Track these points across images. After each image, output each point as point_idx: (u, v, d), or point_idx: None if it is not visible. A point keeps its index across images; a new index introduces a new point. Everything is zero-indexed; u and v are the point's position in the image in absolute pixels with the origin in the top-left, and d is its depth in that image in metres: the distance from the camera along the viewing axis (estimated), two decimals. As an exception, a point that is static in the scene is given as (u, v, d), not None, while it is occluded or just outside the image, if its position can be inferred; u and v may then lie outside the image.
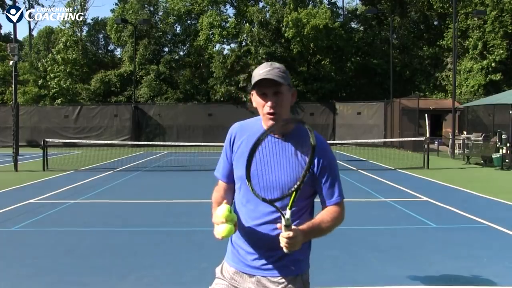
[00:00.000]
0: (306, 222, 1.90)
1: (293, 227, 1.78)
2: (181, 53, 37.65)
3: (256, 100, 1.96)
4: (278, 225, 1.79)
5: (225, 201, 1.92)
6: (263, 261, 1.96)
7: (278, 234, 1.81)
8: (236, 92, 32.01)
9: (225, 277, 2.06)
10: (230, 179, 2.10)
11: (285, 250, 1.78)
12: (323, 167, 1.95)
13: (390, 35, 29.73)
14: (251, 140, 1.87)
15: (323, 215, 1.95)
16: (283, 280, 1.95)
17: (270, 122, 1.91)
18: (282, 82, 1.89)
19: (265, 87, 1.90)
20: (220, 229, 1.83)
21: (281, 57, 33.29)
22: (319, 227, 1.91)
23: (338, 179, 1.99)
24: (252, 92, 1.98)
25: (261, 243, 1.95)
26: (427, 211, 7.99)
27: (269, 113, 1.91)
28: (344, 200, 2.03)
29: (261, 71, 1.91)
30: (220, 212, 1.85)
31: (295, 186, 1.83)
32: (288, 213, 1.78)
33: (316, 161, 1.92)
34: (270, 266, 1.95)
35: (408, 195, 9.83)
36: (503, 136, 15.67)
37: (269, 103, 1.91)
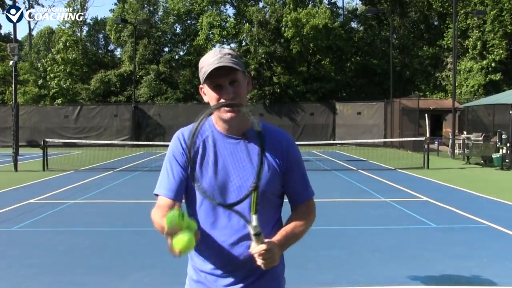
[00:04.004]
0: (277, 232, 1.68)
1: (265, 239, 1.56)
2: (181, 53, 37.67)
3: (208, 93, 1.70)
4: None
5: (176, 205, 1.64)
6: (241, 284, 1.70)
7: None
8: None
9: None
10: (178, 197, 1.75)
11: (263, 267, 1.55)
12: (291, 163, 1.74)
13: (390, 35, 29.74)
14: (208, 145, 1.71)
15: (294, 218, 1.75)
16: None
17: (229, 115, 1.65)
18: (238, 68, 1.65)
19: (219, 77, 1.64)
20: (177, 240, 1.41)
21: (281, 57, 33.30)
22: (294, 234, 1.70)
23: (306, 175, 1.81)
24: (202, 86, 1.72)
25: (237, 263, 1.69)
26: (427, 211, 7.99)
27: (226, 105, 1.64)
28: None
29: (211, 60, 1.65)
30: (171, 218, 1.40)
31: (253, 185, 1.57)
32: (254, 218, 1.55)
33: (283, 156, 1.72)
34: (250, 287, 1.71)
35: (408, 195, 9.83)
36: (503, 136, 15.67)
37: (225, 95, 1.65)
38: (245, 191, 1.61)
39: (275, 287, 1.77)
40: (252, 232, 1.54)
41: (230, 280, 1.71)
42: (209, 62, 1.65)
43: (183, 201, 1.82)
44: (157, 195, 1.77)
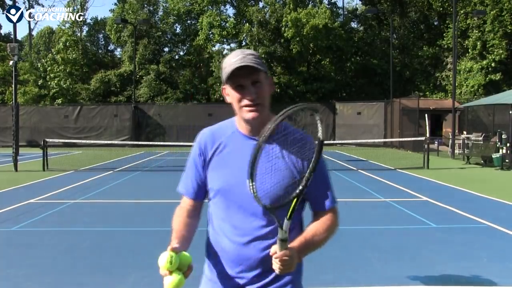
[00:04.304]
0: (297, 238, 1.65)
1: (291, 250, 1.57)
2: (181, 53, 37.69)
3: (231, 94, 1.68)
4: (272, 249, 1.57)
5: (173, 245, 1.64)
6: (256, 285, 1.69)
7: (267, 251, 1.62)
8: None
9: None
10: (198, 196, 1.82)
11: (277, 271, 1.56)
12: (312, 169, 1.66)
13: (390, 35, 29.74)
14: (228, 145, 1.71)
15: (316, 226, 1.70)
16: None
17: (251, 115, 1.64)
18: (261, 69, 1.63)
19: (242, 77, 1.63)
20: (167, 282, 1.56)
21: (281, 57, 33.31)
22: (313, 242, 1.67)
23: (330, 182, 1.75)
24: (225, 86, 1.70)
25: (250, 264, 1.68)
26: (427, 211, 7.98)
27: (249, 105, 1.64)
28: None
29: (233, 60, 1.64)
30: (162, 262, 1.57)
31: (297, 191, 1.57)
32: (286, 224, 1.56)
33: (304, 162, 1.66)
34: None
35: (408, 195, 9.83)
36: (503, 136, 15.67)
37: (248, 95, 1.63)
38: (283, 196, 1.61)
39: None
40: (280, 236, 1.55)
41: (242, 280, 1.70)
42: (231, 62, 1.64)
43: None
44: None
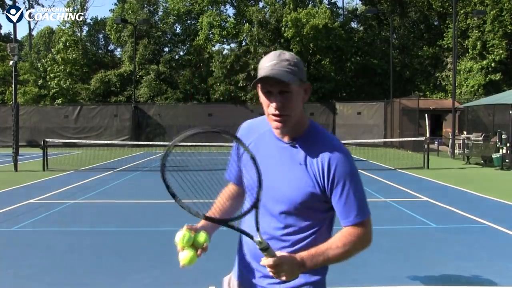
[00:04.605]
0: (311, 248, 1.63)
1: (280, 253, 1.56)
2: (181, 53, 37.68)
3: (260, 97, 1.66)
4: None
5: (185, 227, 1.66)
6: (268, 281, 1.71)
7: (284, 250, 1.64)
8: (235, 91, 32.03)
9: (227, 286, 1.91)
10: (238, 180, 1.87)
11: (277, 278, 1.57)
12: (332, 181, 1.62)
13: (390, 35, 29.73)
14: (259, 143, 1.72)
15: (334, 239, 1.66)
16: None
17: (275, 125, 1.63)
18: (288, 81, 1.56)
19: (270, 84, 1.59)
20: (180, 257, 1.65)
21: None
22: (324, 254, 1.62)
23: (357, 194, 1.63)
24: (258, 85, 1.67)
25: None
26: (427, 211, 7.99)
27: (274, 115, 1.61)
28: (369, 219, 1.69)
29: (266, 64, 1.61)
30: (176, 239, 1.65)
31: (254, 201, 1.57)
32: (257, 234, 1.54)
33: (323, 173, 1.62)
34: (274, 286, 1.71)
35: (408, 195, 9.83)
36: (503, 136, 15.67)
37: (274, 104, 1.60)
38: (290, 203, 1.63)
39: None
40: (258, 247, 1.54)
41: (258, 274, 1.75)
42: (264, 66, 1.61)
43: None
44: None
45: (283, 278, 1.56)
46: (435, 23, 36.01)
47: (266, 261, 1.54)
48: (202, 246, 1.67)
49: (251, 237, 1.56)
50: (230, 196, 1.91)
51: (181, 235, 1.64)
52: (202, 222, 1.74)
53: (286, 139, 1.68)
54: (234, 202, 1.91)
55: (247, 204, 1.78)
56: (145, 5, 36.54)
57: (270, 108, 1.62)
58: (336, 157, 1.64)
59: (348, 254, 1.66)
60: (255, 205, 1.57)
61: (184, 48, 37.59)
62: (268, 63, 1.60)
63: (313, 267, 1.62)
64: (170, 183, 1.62)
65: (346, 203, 1.63)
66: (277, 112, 1.60)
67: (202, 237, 1.67)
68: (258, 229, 1.56)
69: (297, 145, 1.66)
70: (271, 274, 1.56)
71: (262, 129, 1.77)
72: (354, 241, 1.65)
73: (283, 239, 1.68)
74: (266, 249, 1.54)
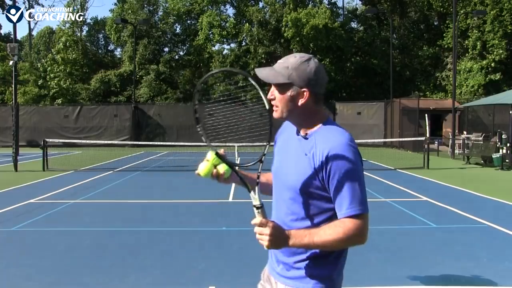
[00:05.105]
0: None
1: (267, 219, 1.67)
2: (181, 53, 37.68)
3: None
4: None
5: (221, 150, 1.87)
6: (281, 267, 1.84)
7: None
8: (235, 91, 32.02)
9: (263, 277, 2.04)
10: None
11: (261, 243, 1.66)
12: (329, 173, 1.68)
13: (390, 35, 29.74)
14: (288, 137, 1.90)
15: (325, 226, 1.71)
16: None
17: (274, 114, 1.81)
18: (268, 81, 1.78)
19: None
20: (200, 166, 1.87)
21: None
22: (310, 236, 1.67)
23: (352, 188, 1.67)
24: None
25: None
26: (427, 211, 7.99)
27: (272, 105, 1.81)
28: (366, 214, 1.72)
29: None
30: (208, 155, 1.88)
31: (261, 156, 1.84)
32: (255, 193, 1.74)
33: (321, 164, 1.69)
34: (284, 273, 1.82)
35: (408, 195, 9.83)
36: (503, 136, 15.67)
37: (269, 94, 1.81)
38: (293, 188, 1.77)
39: (304, 284, 1.78)
40: (252, 203, 1.70)
41: (276, 261, 1.87)
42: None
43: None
44: None
45: (265, 243, 1.64)
46: (435, 23, 36.02)
47: (255, 219, 1.65)
48: (219, 172, 1.87)
49: (249, 189, 1.77)
50: (269, 179, 2.04)
51: (214, 154, 1.86)
52: (249, 175, 1.94)
53: (302, 132, 1.82)
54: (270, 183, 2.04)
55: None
56: (145, 5, 36.54)
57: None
58: (337, 151, 1.68)
59: (335, 244, 1.70)
60: (259, 160, 1.85)
61: (184, 48, 37.60)
62: (277, 63, 1.83)
63: (297, 245, 1.69)
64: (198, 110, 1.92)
65: (341, 195, 1.68)
66: (272, 102, 1.80)
67: (224, 167, 1.87)
68: (254, 190, 1.76)
69: (308, 138, 1.78)
70: (257, 237, 1.65)
71: (292, 126, 1.91)
72: (344, 233, 1.68)
73: (290, 226, 1.75)
74: (259, 208, 1.68)
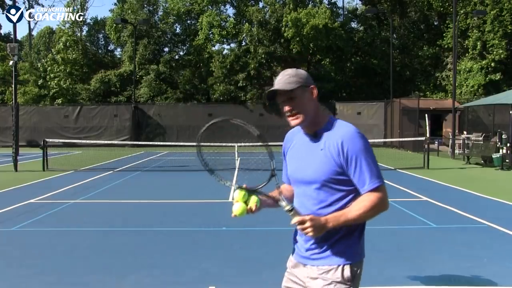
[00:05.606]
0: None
1: (302, 214, 1.97)
2: (181, 53, 37.65)
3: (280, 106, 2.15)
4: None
5: (244, 185, 2.11)
6: (311, 252, 2.11)
7: None
8: (235, 91, 32.02)
9: (289, 266, 2.25)
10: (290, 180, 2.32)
11: (309, 235, 1.94)
12: (346, 158, 2.01)
13: (390, 35, 29.73)
14: (297, 142, 2.18)
15: (354, 203, 2.04)
16: (324, 269, 2.08)
17: (293, 122, 2.09)
18: (289, 89, 2.04)
19: (279, 95, 2.09)
20: (234, 208, 2.09)
21: (281, 57, 33.28)
22: (344, 215, 2.00)
23: (369, 165, 2.03)
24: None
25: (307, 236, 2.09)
26: (427, 211, 7.99)
27: (288, 116, 2.08)
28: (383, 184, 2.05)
29: (275, 82, 2.10)
30: (236, 194, 2.10)
31: (271, 171, 2.12)
32: (282, 201, 2.03)
33: (338, 152, 2.02)
34: (317, 256, 2.10)
35: (408, 195, 9.83)
36: (503, 136, 15.67)
37: (286, 108, 2.08)
38: (311, 182, 2.07)
39: (335, 261, 2.06)
40: (285, 210, 1.99)
41: (305, 247, 2.13)
42: (274, 83, 2.10)
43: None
44: None
45: (310, 234, 1.93)
46: (435, 23, 36.00)
47: (294, 219, 1.94)
48: (252, 205, 2.09)
49: (276, 201, 2.06)
50: (288, 189, 2.31)
51: (238, 191, 2.10)
52: (271, 194, 2.16)
53: (310, 132, 2.12)
54: (291, 193, 2.30)
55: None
56: (145, 5, 36.50)
57: (285, 112, 2.09)
58: (348, 137, 2.03)
59: (366, 216, 2.03)
60: (271, 175, 2.14)
61: (184, 48, 37.55)
62: (276, 81, 2.10)
63: (335, 225, 1.99)
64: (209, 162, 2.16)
65: (361, 174, 2.02)
66: (289, 113, 2.08)
67: (254, 199, 2.10)
68: (279, 199, 2.06)
69: (318, 136, 2.09)
70: (305, 235, 1.95)
71: (299, 132, 2.21)
72: (371, 205, 2.01)
73: (319, 213, 2.03)
74: (291, 211, 1.97)
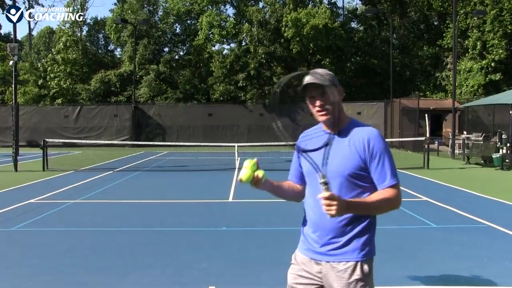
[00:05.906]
0: None
1: (336, 195, 1.98)
2: (181, 53, 37.65)
3: (308, 103, 2.23)
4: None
5: (255, 159, 2.19)
6: (327, 248, 2.16)
7: (341, 222, 2.12)
8: (235, 91, 32.01)
9: (297, 262, 2.28)
10: (298, 179, 2.39)
11: (327, 214, 1.96)
12: (371, 154, 2.13)
13: (390, 35, 29.72)
14: (316, 138, 2.24)
15: (373, 194, 2.14)
16: (343, 266, 2.15)
17: (321, 118, 2.19)
18: (324, 84, 2.14)
19: (312, 89, 2.16)
20: (241, 173, 2.14)
21: (281, 57, 33.28)
22: (364, 203, 2.10)
23: (390, 164, 2.16)
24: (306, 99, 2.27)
25: (325, 231, 2.17)
26: (427, 211, 7.99)
27: (318, 110, 2.17)
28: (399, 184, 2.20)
29: (306, 78, 2.18)
30: (246, 162, 2.17)
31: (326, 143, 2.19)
32: (321, 172, 2.04)
33: (364, 148, 2.13)
34: (333, 252, 2.16)
35: (408, 195, 9.83)
36: (503, 136, 15.67)
37: (317, 103, 2.17)
38: (338, 175, 2.14)
39: (353, 257, 2.18)
40: (319, 181, 1.97)
41: (320, 243, 2.18)
42: (305, 80, 2.18)
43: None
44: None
45: (332, 212, 1.94)
46: (435, 23, 35.99)
47: (324, 193, 1.95)
48: (258, 176, 2.16)
49: (318, 169, 2.04)
50: (290, 185, 2.42)
51: (252, 161, 2.16)
52: (274, 182, 2.28)
53: (334, 131, 2.20)
54: (290, 188, 2.42)
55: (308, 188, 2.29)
56: (145, 5, 36.50)
57: (315, 107, 2.18)
58: (374, 136, 2.16)
59: (382, 208, 2.17)
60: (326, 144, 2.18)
61: (184, 48, 37.55)
62: (308, 77, 2.17)
63: (354, 211, 2.10)
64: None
65: (382, 170, 2.15)
66: (320, 108, 2.16)
67: (261, 172, 2.17)
68: (320, 170, 2.05)
69: (342, 134, 2.19)
70: (324, 209, 1.95)
71: (314, 132, 2.30)
72: (389, 199, 2.15)
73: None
74: (326, 184, 1.98)
